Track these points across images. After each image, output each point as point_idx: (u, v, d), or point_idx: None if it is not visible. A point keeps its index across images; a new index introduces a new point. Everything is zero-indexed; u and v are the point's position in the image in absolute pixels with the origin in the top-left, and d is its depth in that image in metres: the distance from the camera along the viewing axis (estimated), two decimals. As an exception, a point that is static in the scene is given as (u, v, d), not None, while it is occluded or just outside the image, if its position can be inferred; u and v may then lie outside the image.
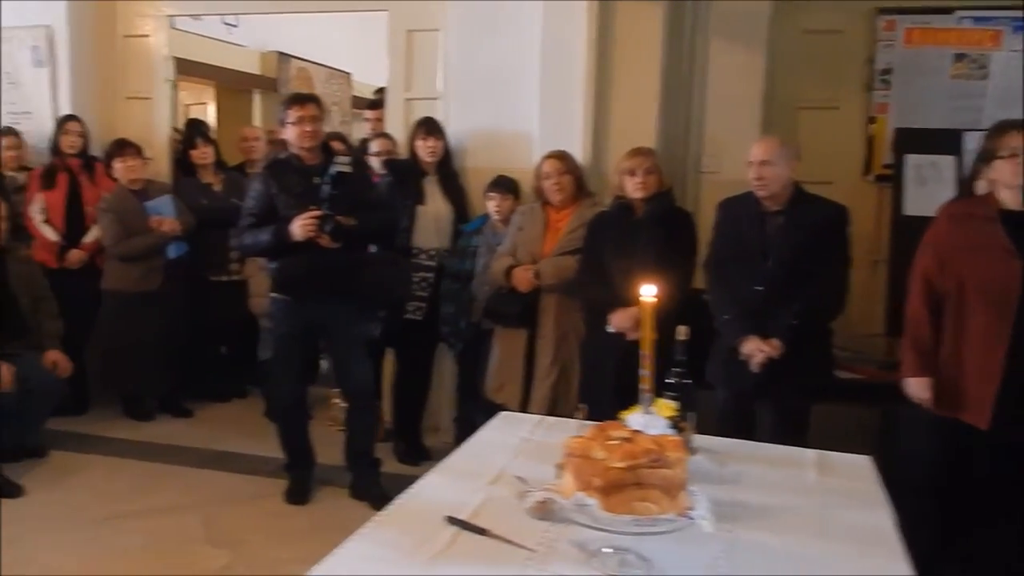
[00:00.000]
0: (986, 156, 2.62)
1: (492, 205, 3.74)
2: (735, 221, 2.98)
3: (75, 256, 4.47)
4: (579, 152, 3.69)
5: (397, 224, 3.73)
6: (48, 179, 4.50)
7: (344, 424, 3.74)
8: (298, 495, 3.57)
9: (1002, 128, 2.63)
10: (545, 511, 1.61)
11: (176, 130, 5.10)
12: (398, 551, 1.52)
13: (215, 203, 4.64)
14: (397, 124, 4.31)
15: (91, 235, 4.50)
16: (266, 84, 7.17)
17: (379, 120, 4.61)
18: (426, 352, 4.08)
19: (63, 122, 4.59)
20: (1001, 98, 4.04)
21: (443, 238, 3.92)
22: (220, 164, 4.89)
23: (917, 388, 2.67)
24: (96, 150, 4.68)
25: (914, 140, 3.96)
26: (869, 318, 3.91)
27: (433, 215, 3.92)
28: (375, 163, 4.05)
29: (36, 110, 4.81)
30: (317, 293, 3.35)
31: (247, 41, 6.97)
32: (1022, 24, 4.08)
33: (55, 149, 4.56)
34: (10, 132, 4.61)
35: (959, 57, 4.16)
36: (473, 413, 3.72)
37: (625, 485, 1.45)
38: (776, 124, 3.91)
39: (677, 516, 1.47)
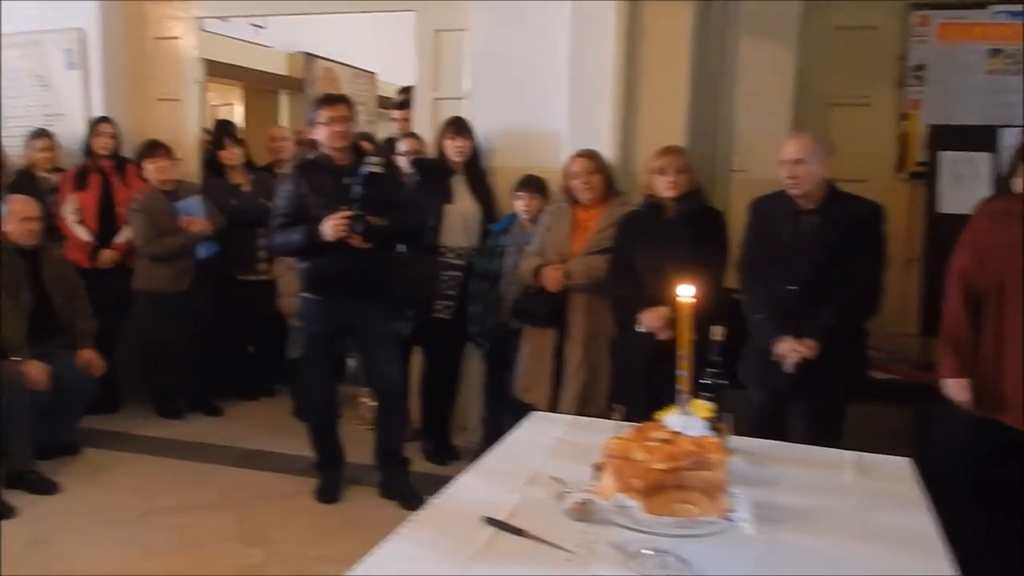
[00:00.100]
0: (1025, 152, 2.59)
1: (520, 204, 3.74)
2: (768, 220, 2.95)
3: (107, 256, 4.53)
4: (607, 151, 3.67)
5: (426, 224, 3.74)
6: (81, 180, 4.56)
7: (373, 423, 3.75)
8: (328, 494, 3.58)
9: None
10: (584, 512, 1.60)
11: (205, 131, 5.14)
12: (437, 551, 1.51)
13: (244, 203, 4.67)
14: (424, 124, 4.32)
15: (123, 235, 4.55)
16: (292, 85, 7.22)
17: (406, 120, 4.63)
18: (454, 351, 4.09)
19: (96, 124, 4.64)
20: (1038, 93, 3.97)
21: (471, 237, 3.92)
22: (249, 164, 4.94)
23: (956, 389, 2.63)
24: (127, 151, 4.73)
25: (949, 136, 3.90)
26: (903, 317, 3.86)
27: (460, 214, 3.92)
28: (403, 163, 4.06)
29: (69, 112, 4.88)
30: (348, 293, 3.37)
31: (274, 42, 7.02)
32: (1059, 19, 4.01)
33: (88, 150, 4.62)
34: (43, 134, 4.67)
35: (994, 52, 4.09)
36: (501, 413, 3.72)
37: (666, 487, 1.44)
38: (807, 121, 3.86)
39: (718, 518, 1.46)
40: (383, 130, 6.81)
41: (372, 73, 8.02)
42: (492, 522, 1.60)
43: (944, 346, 2.68)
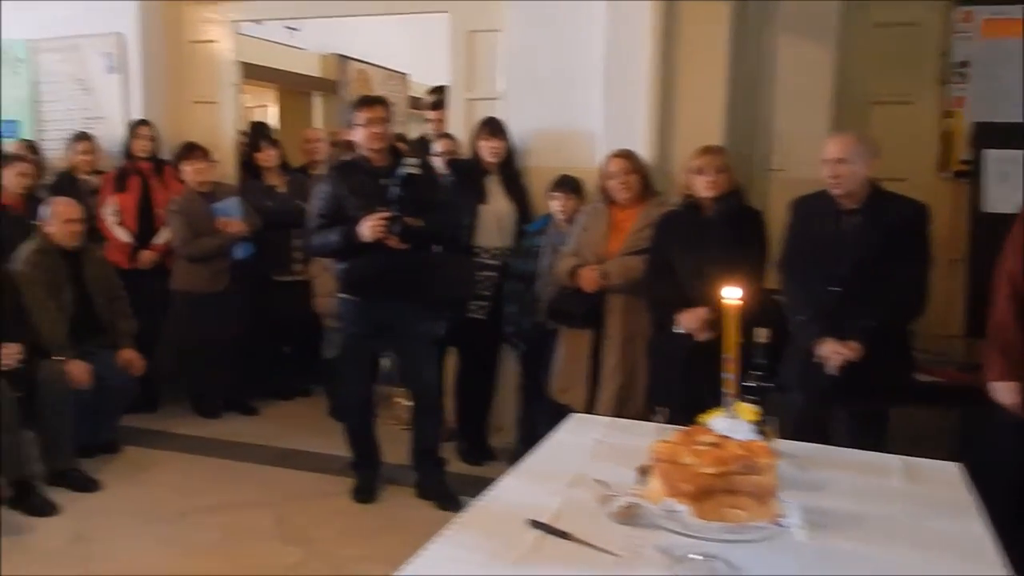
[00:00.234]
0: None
1: (556, 205, 3.72)
2: (809, 220, 2.91)
3: (146, 257, 4.59)
4: (644, 151, 3.65)
5: (461, 225, 3.74)
6: (120, 182, 4.63)
7: (409, 423, 3.76)
8: (365, 494, 3.60)
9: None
10: (630, 516, 1.59)
11: (241, 133, 5.19)
12: (482, 554, 1.51)
13: (280, 204, 4.71)
14: (458, 124, 4.33)
15: (161, 236, 4.61)
16: (326, 86, 7.28)
17: (440, 120, 4.63)
18: (490, 351, 4.08)
19: (135, 126, 4.71)
20: (1087, 90, 3.88)
21: (505, 237, 3.92)
22: (284, 166, 4.97)
23: (1004, 392, 2.58)
24: (165, 154, 4.80)
25: (994, 134, 3.83)
26: (947, 319, 3.79)
27: (495, 214, 3.92)
28: (438, 163, 4.06)
29: (108, 115, 4.96)
30: (385, 293, 3.38)
31: (308, 44, 7.08)
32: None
33: (127, 153, 4.69)
34: (84, 137, 4.76)
35: (1040, 48, 4.00)
36: (536, 414, 3.71)
37: (715, 491, 1.42)
38: (848, 120, 3.81)
39: (768, 523, 1.44)
40: (414, 130, 6.83)
41: (404, 74, 8.05)
42: (537, 525, 1.59)
43: (991, 348, 2.64)
